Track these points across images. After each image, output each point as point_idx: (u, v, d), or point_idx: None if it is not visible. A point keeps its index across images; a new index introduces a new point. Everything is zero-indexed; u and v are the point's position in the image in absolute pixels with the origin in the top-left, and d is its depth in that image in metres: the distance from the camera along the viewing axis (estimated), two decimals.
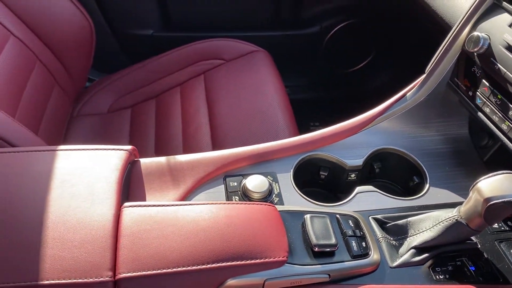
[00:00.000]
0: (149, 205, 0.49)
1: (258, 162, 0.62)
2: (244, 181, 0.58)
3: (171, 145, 0.97)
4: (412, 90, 0.68)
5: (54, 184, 0.50)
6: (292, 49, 1.34)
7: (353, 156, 0.64)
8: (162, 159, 0.60)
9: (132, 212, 0.48)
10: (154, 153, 0.97)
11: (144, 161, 0.60)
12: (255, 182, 0.57)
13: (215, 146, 0.92)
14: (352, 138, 0.66)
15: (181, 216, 0.48)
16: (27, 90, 0.87)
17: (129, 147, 0.57)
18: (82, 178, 0.51)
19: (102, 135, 1.03)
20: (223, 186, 0.59)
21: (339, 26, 1.32)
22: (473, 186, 0.45)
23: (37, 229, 0.45)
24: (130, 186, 0.56)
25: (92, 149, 0.56)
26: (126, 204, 0.49)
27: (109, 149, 0.56)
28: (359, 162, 0.63)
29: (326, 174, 0.65)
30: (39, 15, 0.93)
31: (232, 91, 1.02)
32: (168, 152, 0.94)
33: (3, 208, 0.47)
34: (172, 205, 0.50)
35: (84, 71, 1.08)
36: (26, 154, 0.55)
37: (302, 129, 0.94)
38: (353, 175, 0.64)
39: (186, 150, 0.94)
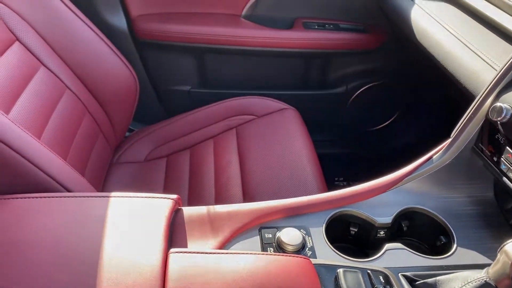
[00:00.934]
0: (193, 252, 0.53)
1: (291, 216, 0.66)
2: (278, 234, 0.61)
3: (203, 194, 1.02)
4: (438, 153, 0.72)
5: (108, 229, 0.55)
6: (319, 107, 1.41)
7: (382, 214, 0.67)
8: (202, 209, 0.64)
9: (178, 258, 0.52)
10: (187, 201, 1.02)
11: (186, 210, 0.64)
12: (290, 235, 0.60)
13: (246, 197, 0.97)
14: (381, 196, 0.69)
15: (223, 264, 0.52)
16: (77, 138, 0.95)
17: (174, 196, 0.63)
18: (133, 224, 0.56)
19: (139, 182, 1.09)
20: (258, 237, 0.62)
21: (364, 87, 1.40)
22: (501, 248, 0.47)
23: (94, 271, 0.49)
24: (174, 233, 0.60)
25: (142, 197, 0.61)
26: (173, 250, 0.53)
27: (157, 198, 0.62)
28: (388, 220, 0.66)
29: (356, 230, 0.68)
30: (92, 71, 1.03)
31: (262, 145, 1.08)
32: (201, 201, 0.99)
33: (63, 252, 0.52)
34: (214, 253, 0.54)
35: (126, 123, 1.16)
36: (83, 199, 0.61)
37: (327, 183, 0.98)
38: (382, 232, 0.67)
39: (218, 200, 0.99)
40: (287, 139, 1.08)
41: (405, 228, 0.70)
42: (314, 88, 1.39)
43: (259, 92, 1.27)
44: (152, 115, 1.34)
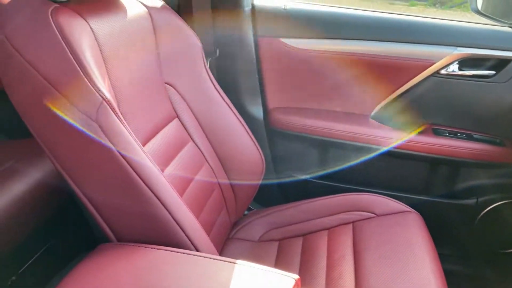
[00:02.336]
0: None
1: None
2: None
3: (313, 284, 0.99)
4: None
5: None
6: (444, 216, 1.32)
7: None
8: None
9: None
10: None
11: None
12: None
13: None
14: None
15: None
16: (206, 206, 1.04)
17: (296, 276, 0.63)
18: None
19: (250, 261, 1.12)
20: None
21: (498, 203, 1.28)
22: None
23: None
24: None
25: (263, 270, 0.63)
26: None
27: (279, 274, 0.63)
28: None
29: None
30: (228, 149, 1.14)
31: (380, 245, 1.03)
32: None
33: None
34: None
35: (247, 201, 1.23)
36: (212, 261, 0.65)
37: None
38: None
39: None
40: (409, 244, 1.02)
41: None
42: (439, 195, 1.32)
43: (379, 191, 1.26)
44: (270, 198, 1.40)
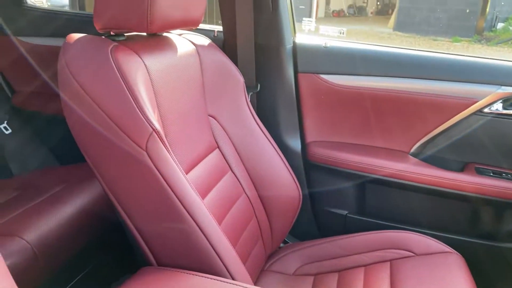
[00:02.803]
0: None
1: None
2: None
3: None
4: None
5: None
6: (487, 259, 1.26)
7: None
8: None
9: None
10: None
11: None
12: None
13: None
14: None
15: None
16: (242, 237, 1.06)
17: None
18: None
19: None
20: None
21: None
22: None
23: None
24: None
25: None
26: None
27: None
28: None
29: None
30: (266, 180, 1.17)
31: (419, 286, 1.00)
32: None
33: None
34: None
35: (283, 233, 1.23)
36: None
37: None
38: None
39: None
40: (450, 286, 0.98)
41: None
42: (482, 237, 1.27)
43: (418, 229, 1.23)
44: (306, 231, 1.40)
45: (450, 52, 1.28)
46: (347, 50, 1.32)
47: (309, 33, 1.37)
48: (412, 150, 1.31)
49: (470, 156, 1.27)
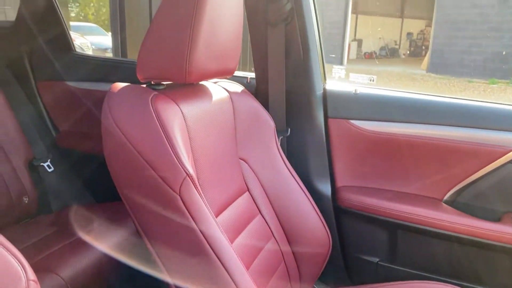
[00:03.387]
0: None
1: None
2: None
3: None
4: None
5: None
6: None
7: None
8: None
9: None
10: None
11: None
12: None
13: None
14: None
15: None
16: (271, 282, 1.05)
17: None
18: None
19: None
20: None
21: None
22: None
23: None
24: None
25: None
26: None
27: None
28: None
29: None
30: (295, 225, 1.17)
31: None
32: None
33: None
34: None
35: (313, 279, 1.22)
36: None
37: None
38: None
39: None
40: None
41: None
42: None
43: (451, 281, 1.18)
44: (336, 278, 1.37)
45: (485, 100, 1.27)
46: (377, 97, 1.34)
47: (339, 80, 1.40)
48: (445, 198, 1.28)
49: (507, 205, 1.23)
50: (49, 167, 1.61)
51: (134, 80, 0.95)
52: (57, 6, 1.69)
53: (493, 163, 1.20)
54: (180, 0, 0.86)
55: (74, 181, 1.76)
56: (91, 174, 1.72)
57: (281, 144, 1.33)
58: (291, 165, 1.21)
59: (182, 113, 0.91)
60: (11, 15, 2.07)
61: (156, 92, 0.89)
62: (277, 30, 1.29)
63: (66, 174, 1.70)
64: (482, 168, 1.21)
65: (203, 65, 0.91)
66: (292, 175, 1.19)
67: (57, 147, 1.76)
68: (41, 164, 1.60)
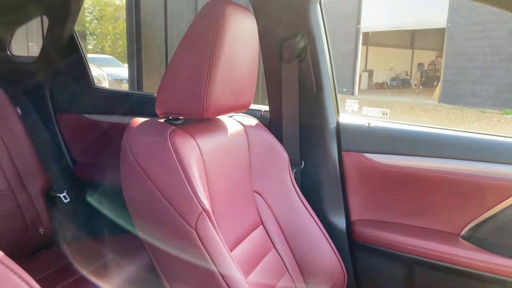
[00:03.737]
0: None
1: None
2: None
3: None
4: None
5: None
6: None
7: None
8: None
9: None
10: None
11: None
12: None
13: None
14: None
15: None
16: None
17: None
18: None
19: None
20: None
21: None
22: None
23: None
24: None
25: None
26: None
27: None
28: None
29: None
30: (309, 259, 1.16)
31: None
32: None
33: None
34: None
35: None
36: None
37: None
38: None
39: None
40: None
41: None
42: None
43: None
44: None
45: (499, 134, 1.27)
46: (390, 130, 1.34)
47: (352, 113, 1.41)
48: (462, 233, 1.26)
49: None
50: (65, 198, 1.63)
51: (150, 113, 0.98)
52: (79, 43, 1.77)
53: (511, 198, 1.18)
54: (199, 40, 0.90)
55: (90, 212, 1.78)
56: (107, 205, 1.74)
57: (295, 177, 1.33)
58: (305, 198, 1.20)
59: (198, 147, 0.93)
60: (34, 51, 2.16)
61: (173, 127, 0.92)
62: (291, 66, 1.32)
63: (82, 205, 1.72)
64: (500, 202, 1.19)
65: (220, 101, 0.93)
66: (306, 209, 1.19)
67: (74, 177, 1.79)
68: (58, 194, 1.62)
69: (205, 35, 0.89)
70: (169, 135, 0.87)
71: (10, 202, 1.45)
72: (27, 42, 2.31)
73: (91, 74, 1.86)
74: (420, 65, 15.52)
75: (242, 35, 0.95)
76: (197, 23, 0.91)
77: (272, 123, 1.43)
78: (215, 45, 0.88)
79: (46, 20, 1.72)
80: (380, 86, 14.08)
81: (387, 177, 1.32)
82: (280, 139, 1.34)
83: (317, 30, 1.30)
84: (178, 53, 0.92)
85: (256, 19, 1.05)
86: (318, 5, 1.30)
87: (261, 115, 1.49)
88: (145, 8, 2.77)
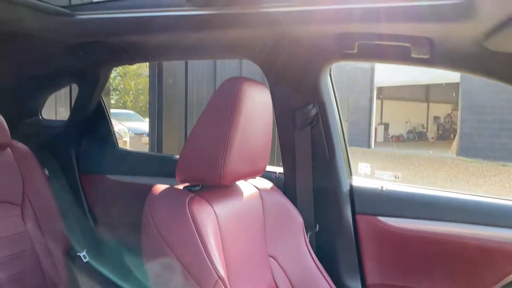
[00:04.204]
0: None
1: None
2: None
3: None
4: None
5: None
6: None
7: None
8: None
9: None
10: None
11: None
12: None
13: None
14: None
15: None
16: None
17: None
18: None
19: None
20: None
21: None
22: None
23: None
24: None
25: None
26: None
27: None
28: None
29: None
30: None
31: None
32: None
33: None
34: None
35: None
36: None
37: None
38: None
39: None
40: None
41: None
42: None
43: None
44: None
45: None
46: (403, 194, 1.37)
47: (365, 176, 1.45)
48: None
49: None
50: (85, 257, 1.67)
51: (170, 174, 1.03)
52: (106, 108, 1.89)
53: None
54: (218, 113, 0.97)
55: (108, 272, 1.80)
56: (126, 267, 1.76)
57: (309, 240, 1.34)
58: (320, 261, 1.21)
59: (215, 213, 0.97)
60: (63, 115, 2.30)
61: (192, 194, 0.97)
62: (303, 133, 1.38)
63: (101, 265, 1.75)
64: None
65: (236, 168, 0.99)
66: (321, 273, 1.19)
67: (94, 237, 1.83)
68: (78, 254, 1.65)
69: (223, 109, 0.96)
70: (187, 203, 0.92)
71: (32, 262, 1.49)
72: (55, 106, 2.47)
73: (115, 136, 1.96)
74: (436, 118, 15.54)
75: (257, 107, 1.03)
76: (217, 98, 0.99)
77: (286, 186, 1.47)
78: (232, 119, 0.95)
79: (74, 87, 1.86)
80: (397, 139, 14.07)
81: (400, 241, 1.32)
82: (294, 202, 1.37)
83: (328, 98, 1.38)
84: (198, 126, 0.99)
85: (271, 91, 1.13)
86: (328, 75, 1.39)
87: (276, 177, 1.54)
88: (167, 71, 2.93)
